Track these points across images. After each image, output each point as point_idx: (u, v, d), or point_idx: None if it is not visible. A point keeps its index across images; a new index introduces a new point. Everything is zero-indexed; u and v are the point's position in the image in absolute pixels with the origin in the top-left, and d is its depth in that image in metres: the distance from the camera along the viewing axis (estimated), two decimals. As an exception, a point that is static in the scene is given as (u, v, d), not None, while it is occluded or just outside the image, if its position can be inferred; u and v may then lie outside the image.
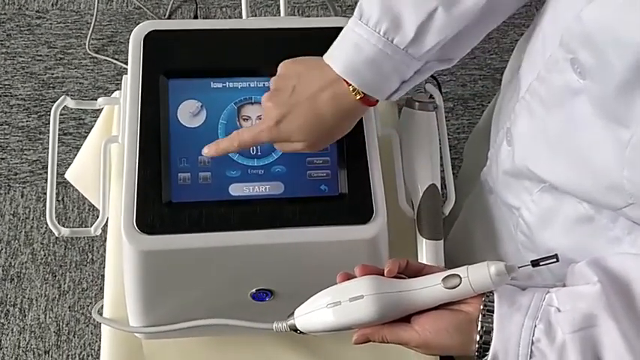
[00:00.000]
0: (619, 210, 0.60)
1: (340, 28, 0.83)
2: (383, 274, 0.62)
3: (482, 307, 0.59)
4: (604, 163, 0.58)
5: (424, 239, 0.82)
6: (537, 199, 0.72)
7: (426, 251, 0.82)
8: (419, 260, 0.82)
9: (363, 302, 0.60)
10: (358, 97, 0.71)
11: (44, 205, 1.65)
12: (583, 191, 0.64)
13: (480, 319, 0.59)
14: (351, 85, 0.70)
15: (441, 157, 0.87)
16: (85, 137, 1.10)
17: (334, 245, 0.75)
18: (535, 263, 0.59)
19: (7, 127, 1.76)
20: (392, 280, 0.62)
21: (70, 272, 1.61)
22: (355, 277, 0.63)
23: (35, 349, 1.54)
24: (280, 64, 0.75)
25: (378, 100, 0.73)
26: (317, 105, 0.71)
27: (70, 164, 1.12)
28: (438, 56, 0.71)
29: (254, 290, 0.79)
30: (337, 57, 0.71)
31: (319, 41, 0.83)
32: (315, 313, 0.63)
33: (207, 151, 0.75)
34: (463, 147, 1.15)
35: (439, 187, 0.85)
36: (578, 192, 0.65)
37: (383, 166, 0.79)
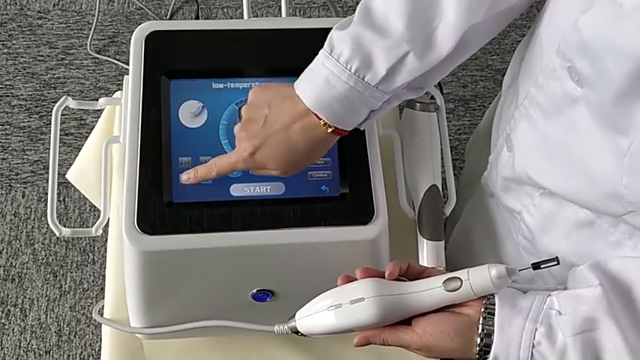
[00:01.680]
0: (619, 217, 0.60)
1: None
2: (384, 277, 0.62)
3: (483, 309, 0.59)
4: (603, 171, 0.57)
5: (425, 240, 0.82)
6: (538, 203, 0.72)
7: (427, 252, 0.82)
8: (420, 261, 0.82)
9: (364, 305, 0.60)
10: (329, 130, 0.71)
11: (45, 206, 1.65)
12: (582, 199, 0.63)
13: (480, 321, 0.59)
14: (321, 118, 0.71)
15: (442, 158, 0.87)
16: (87, 137, 1.10)
17: (335, 246, 0.75)
18: (536, 266, 0.59)
19: (8, 127, 1.76)
20: (393, 282, 0.62)
21: (71, 272, 1.61)
22: (356, 279, 0.63)
23: (36, 350, 1.54)
24: (250, 92, 0.75)
25: (346, 131, 0.73)
26: (289, 136, 0.71)
27: (71, 164, 1.12)
28: (408, 87, 0.72)
29: (255, 291, 0.79)
30: (308, 91, 0.71)
31: (320, 42, 0.83)
32: (316, 315, 0.63)
33: (186, 178, 0.75)
34: (464, 148, 1.15)
35: (440, 188, 0.85)
36: (578, 199, 0.65)
37: (384, 166, 0.79)
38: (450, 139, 0.90)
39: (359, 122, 0.73)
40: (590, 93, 0.58)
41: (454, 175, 0.88)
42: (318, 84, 0.70)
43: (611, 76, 0.53)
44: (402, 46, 0.68)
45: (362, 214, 0.75)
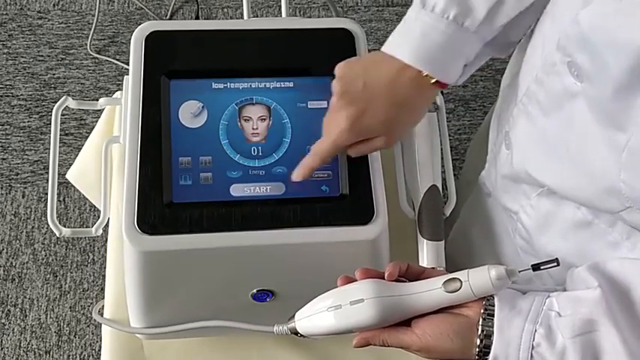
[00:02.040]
0: (616, 213, 0.60)
1: (342, 29, 0.84)
2: (383, 278, 0.62)
3: (482, 311, 0.59)
4: (601, 166, 0.57)
5: (425, 240, 0.82)
6: (535, 203, 0.72)
7: (427, 252, 0.82)
8: (420, 261, 0.82)
9: (364, 306, 0.60)
10: (432, 81, 0.71)
11: (45, 206, 1.65)
12: (580, 195, 0.63)
13: (480, 322, 0.59)
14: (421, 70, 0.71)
15: (442, 158, 0.87)
16: (87, 138, 1.10)
17: (335, 246, 0.75)
18: (536, 267, 0.59)
19: (8, 127, 1.76)
20: (392, 283, 0.62)
21: (71, 272, 1.61)
22: (356, 280, 0.63)
23: (36, 350, 1.54)
24: (336, 68, 0.74)
25: (449, 84, 0.73)
26: (395, 92, 0.71)
27: (71, 164, 1.12)
28: (495, 46, 0.73)
29: (255, 291, 0.79)
30: (403, 47, 0.71)
31: (320, 42, 0.83)
32: (316, 316, 0.63)
33: (297, 175, 0.74)
34: (464, 148, 1.15)
35: (440, 188, 0.85)
36: (576, 196, 0.65)
37: (384, 166, 0.79)
38: (449, 139, 0.90)
39: (457, 75, 0.73)
40: (589, 88, 0.58)
41: (454, 175, 0.88)
42: (413, 38, 0.70)
43: (610, 71, 0.53)
44: None
45: (362, 214, 0.75)
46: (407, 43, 0.71)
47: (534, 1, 0.70)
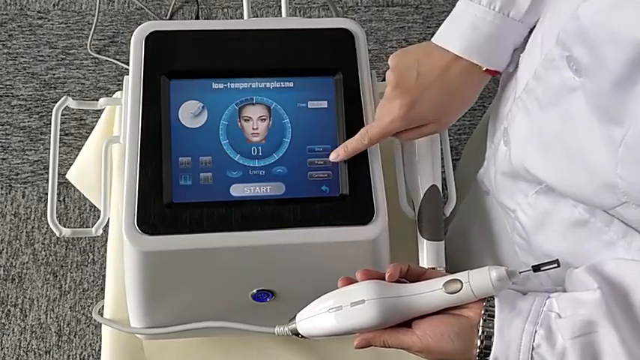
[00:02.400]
0: (613, 209, 0.60)
1: (342, 29, 0.84)
2: (384, 279, 0.62)
3: (483, 312, 0.59)
4: (598, 161, 0.58)
5: (425, 240, 0.82)
6: (533, 201, 0.72)
7: (427, 252, 0.82)
8: (420, 261, 0.82)
9: (365, 307, 0.60)
10: (484, 69, 0.75)
11: (45, 206, 1.65)
12: (577, 190, 0.64)
13: (480, 323, 0.59)
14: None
15: (442, 158, 0.87)
16: (87, 138, 1.10)
17: (335, 246, 0.75)
18: (536, 268, 0.59)
19: (8, 127, 1.76)
20: (393, 284, 0.62)
21: (71, 272, 1.61)
22: (357, 281, 0.63)
23: (36, 350, 1.54)
24: (390, 58, 0.77)
25: (500, 72, 0.77)
26: (446, 82, 0.75)
27: (71, 164, 1.12)
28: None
29: (255, 291, 0.79)
30: (453, 39, 0.75)
31: (321, 42, 0.83)
32: (317, 317, 0.63)
33: (336, 155, 0.76)
34: (464, 148, 1.15)
35: (440, 188, 0.85)
36: (573, 191, 0.65)
37: (384, 166, 0.79)
38: (450, 139, 0.90)
39: (507, 62, 0.76)
40: (587, 82, 0.58)
41: (454, 175, 0.88)
42: (463, 30, 0.74)
43: (609, 64, 0.53)
44: None
45: (362, 214, 0.75)
46: (457, 34, 0.75)
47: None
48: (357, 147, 0.76)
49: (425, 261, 0.82)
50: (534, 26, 0.75)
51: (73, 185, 1.15)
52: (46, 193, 1.61)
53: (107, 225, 0.87)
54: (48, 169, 1.67)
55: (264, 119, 0.79)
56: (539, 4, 0.73)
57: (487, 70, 0.76)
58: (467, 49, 0.74)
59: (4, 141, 1.75)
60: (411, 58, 0.76)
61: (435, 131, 0.78)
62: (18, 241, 1.64)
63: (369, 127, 0.76)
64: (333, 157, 0.76)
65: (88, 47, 1.84)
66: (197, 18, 1.91)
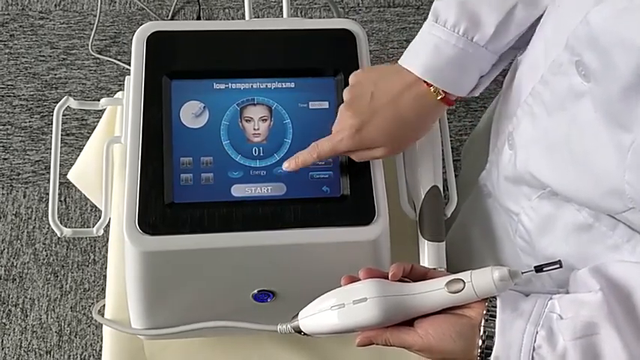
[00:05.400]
0: (619, 214, 0.60)
1: (343, 30, 0.84)
2: (387, 278, 0.62)
3: (484, 312, 0.59)
4: (605, 167, 0.57)
5: (426, 241, 0.82)
6: (536, 205, 0.72)
7: (428, 253, 0.82)
8: (420, 262, 0.82)
9: (367, 305, 0.60)
10: (439, 97, 0.73)
11: (46, 206, 1.65)
12: (583, 196, 0.63)
13: (482, 324, 0.59)
14: (431, 86, 0.72)
15: (443, 159, 0.87)
16: (88, 138, 1.10)
17: (336, 246, 0.75)
18: (539, 269, 0.59)
19: (9, 127, 1.76)
20: (396, 283, 0.62)
21: (72, 272, 1.61)
22: (360, 280, 0.63)
23: (37, 350, 1.54)
24: (351, 75, 0.76)
25: (455, 100, 0.75)
26: (399, 108, 0.73)
27: (72, 165, 1.12)
28: (514, 45, 0.74)
29: (256, 291, 0.79)
30: (416, 60, 0.73)
31: (322, 42, 0.83)
32: (319, 315, 0.63)
33: (288, 165, 0.76)
34: (465, 149, 1.15)
35: (441, 189, 0.85)
36: (579, 197, 0.64)
37: (385, 167, 0.79)
38: (450, 140, 0.90)
39: (470, 88, 0.75)
40: (596, 88, 0.58)
41: (455, 176, 0.88)
42: (426, 52, 0.72)
43: (618, 70, 0.53)
44: (509, 0, 0.70)
45: (363, 214, 0.75)
46: (419, 56, 0.73)
47: (543, 12, 0.71)
48: (307, 160, 0.75)
49: (426, 262, 0.82)
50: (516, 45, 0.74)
51: (74, 185, 1.15)
52: (47, 193, 1.61)
53: (108, 225, 0.87)
54: (49, 169, 1.66)
55: (266, 120, 0.79)
56: (504, 31, 0.71)
57: (443, 99, 0.73)
58: (427, 71, 0.72)
59: (5, 141, 1.75)
60: (369, 79, 0.75)
61: (385, 155, 0.75)
62: (19, 241, 1.64)
63: (319, 142, 0.75)
64: (285, 166, 0.76)
65: (90, 47, 1.85)
66: (198, 18, 1.91)
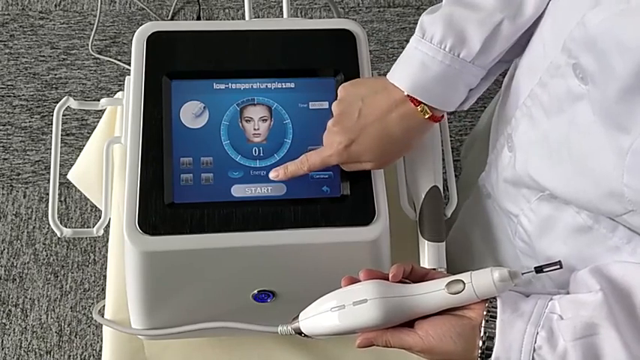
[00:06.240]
0: (618, 217, 0.60)
1: (343, 30, 0.84)
2: (387, 279, 0.62)
3: (485, 312, 0.59)
4: (604, 169, 0.57)
5: (426, 241, 0.82)
6: (535, 207, 0.72)
7: (428, 253, 0.82)
8: (420, 262, 0.82)
9: (367, 306, 0.60)
10: (427, 116, 0.73)
11: (46, 206, 1.65)
12: (582, 198, 0.63)
13: (482, 324, 0.59)
14: (419, 104, 0.72)
15: (443, 159, 0.87)
16: (88, 138, 1.10)
17: (336, 247, 0.75)
18: (539, 270, 0.59)
19: (10, 127, 1.76)
20: (396, 284, 0.62)
21: (72, 273, 1.61)
22: (360, 281, 0.63)
23: (37, 350, 1.54)
24: (340, 88, 0.76)
25: (443, 116, 0.75)
26: (386, 126, 0.73)
27: (72, 165, 1.12)
28: (502, 59, 0.74)
29: (256, 291, 0.79)
30: (403, 77, 0.73)
31: (322, 43, 0.83)
32: (320, 316, 0.63)
33: (275, 175, 0.76)
34: (466, 149, 1.15)
35: (441, 189, 0.85)
36: (578, 199, 0.64)
37: (385, 167, 0.79)
38: (451, 140, 0.90)
39: (459, 102, 0.75)
40: (593, 90, 0.58)
41: (455, 176, 0.88)
42: (413, 68, 0.72)
43: (616, 73, 0.53)
44: (495, 16, 0.70)
45: (363, 215, 0.75)
46: (405, 72, 0.72)
47: (530, 26, 0.71)
48: (296, 171, 0.75)
49: (426, 262, 0.82)
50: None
51: (74, 185, 1.15)
52: (47, 194, 1.61)
53: (108, 225, 0.87)
54: (49, 169, 1.67)
55: (266, 120, 0.79)
56: (491, 47, 0.71)
57: (430, 117, 0.73)
58: (415, 87, 0.72)
59: (5, 141, 1.75)
60: (357, 95, 0.74)
61: (374, 168, 0.76)
62: (19, 241, 1.64)
63: (309, 155, 0.75)
64: (272, 175, 0.76)
65: (90, 47, 1.85)
66: (198, 18, 1.91)
